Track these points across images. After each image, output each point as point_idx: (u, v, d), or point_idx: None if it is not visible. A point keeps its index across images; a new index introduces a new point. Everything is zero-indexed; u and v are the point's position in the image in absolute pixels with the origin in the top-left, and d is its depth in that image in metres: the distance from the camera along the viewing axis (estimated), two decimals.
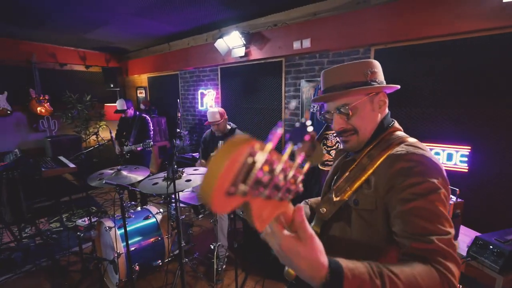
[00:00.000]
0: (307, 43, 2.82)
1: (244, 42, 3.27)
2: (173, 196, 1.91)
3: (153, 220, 2.48)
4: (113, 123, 5.21)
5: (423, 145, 0.76)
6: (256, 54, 3.34)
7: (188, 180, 2.07)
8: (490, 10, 1.82)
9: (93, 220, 2.71)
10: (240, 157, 0.28)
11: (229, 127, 2.79)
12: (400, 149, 0.73)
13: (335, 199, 0.81)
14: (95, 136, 3.91)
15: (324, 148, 2.26)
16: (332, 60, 2.84)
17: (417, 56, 2.26)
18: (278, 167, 0.34)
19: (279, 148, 0.39)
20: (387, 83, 0.86)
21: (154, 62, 5.05)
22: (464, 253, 1.51)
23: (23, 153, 3.25)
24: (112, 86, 5.34)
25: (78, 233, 2.39)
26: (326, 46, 2.72)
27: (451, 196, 1.63)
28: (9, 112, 4.25)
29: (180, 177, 2.09)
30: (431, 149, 2.16)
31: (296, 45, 2.90)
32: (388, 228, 0.71)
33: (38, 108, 4.58)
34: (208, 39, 3.99)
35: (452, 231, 0.63)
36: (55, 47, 4.81)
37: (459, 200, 1.60)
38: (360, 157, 0.82)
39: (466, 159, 2.06)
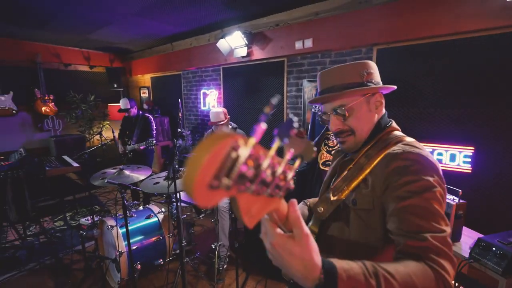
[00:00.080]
0: (309, 43, 2.81)
1: (246, 42, 3.27)
2: (173, 195, 1.92)
3: (155, 219, 2.50)
4: (116, 123, 5.25)
5: (420, 144, 0.76)
6: (258, 54, 3.34)
7: None
8: (491, 9, 1.81)
9: (96, 219, 2.73)
10: (222, 151, 0.28)
11: (230, 126, 2.79)
12: (397, 148, 0.74)
13: (332, 198, 0.82)
14: (98, 135, 3.95)
15: (326, 148, 2.25)
16: (334, 60, 2.83)
17: (419, 56, 2.24)
18: (265, 163, 0.34)
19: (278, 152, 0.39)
20: (389, 83, 0.86)
21: (157, 62, 5.08)
22: (467, 255, 1.49)
23: (28, 153, 3.28)
24: (115, 86, 5.38)
25: (81, 231, 2.41)
26: (328, 46, 2.71)
27: (453, 197, 1.62)
28: (14, 112, 4.31)
29: (181, 177, 2.10)
30: (433, 150, 2.15)
31: (298, 45, 2.90)
32: (385, 228, 0.71)
33: (43, 108, 4.63)
34: (210, 39, 4.00)
35: (448, 229, 0.63)
36: (59, 47, 4.86)
37: (461, 201, 1.58)
38: (358, 156, 0.82)
39: (469, 159, 2.04)
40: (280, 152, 0.38)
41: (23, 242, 2.99)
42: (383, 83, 0.85)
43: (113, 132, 3.35)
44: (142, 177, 2.35)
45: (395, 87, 0.86)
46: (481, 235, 1.60)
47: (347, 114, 0.81)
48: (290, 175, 0.41)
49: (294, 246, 0.45)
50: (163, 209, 2.61)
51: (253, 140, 0.32)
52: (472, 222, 1.83)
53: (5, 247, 2.95)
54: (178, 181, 1.92)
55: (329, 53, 2.85)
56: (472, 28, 1.91)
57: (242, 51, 3.39)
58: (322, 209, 0.83)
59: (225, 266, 2.53)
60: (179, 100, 2.21)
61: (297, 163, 0.44)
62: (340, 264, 0.49)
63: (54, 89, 4.77)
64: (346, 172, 0.83)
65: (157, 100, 5.60)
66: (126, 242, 2.01)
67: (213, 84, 4.36)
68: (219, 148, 0.28)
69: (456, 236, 1.60)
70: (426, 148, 0.74)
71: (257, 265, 2.55)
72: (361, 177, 0.77)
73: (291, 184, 0.42)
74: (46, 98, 4.64)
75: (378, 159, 0.75)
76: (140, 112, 3.63)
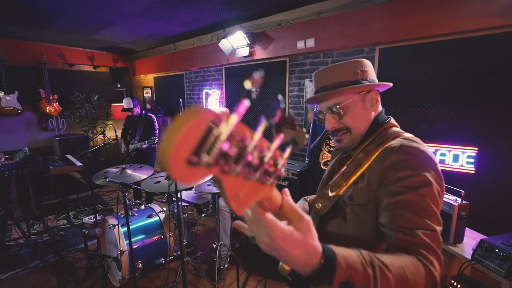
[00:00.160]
0: (311, 43, 2.80)
1: (248, 42, 3.27)
2: (174, 194, 1.93)
3: (156, 218, 2.51)
4: (119, 122, 5.28)
5: (419, 139, 0.76)
6: (260, 54, 3.34)
7: None
8: (495, 8, 1.78)
9: (98, 218, 2.75)
10: (200, 125, 0.27)
11: None
12: (394, 142, 0.74)
13: (330, 194, 0.82)
14: (102, 135, 3.98)
15: (327, 148, 2.24)
16: (336, 60, 2.82)
17: (422, 55, 2.22)
18: (251, 144, 0.33)
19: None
20: (391, 82, 0.86)
21: (160, 62, 5.10)
22: (469, 256, 1.48)
23: (32, 152, 3.32)
24: (119, 86, 5.42)
25: (83, 230, 2.44)
26: (330, 46, 2.70)
27: (456, 198, 1.60)
28: (19, 111, 4.36)
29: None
30: (436, 150, 2.13)
31: (300, 44, 2.89)
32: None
33: (48, 108, 4.68)
34: (213, 39, 4.01)
35: (439, 228, 0.64)
36: (64, 47, 4.91)
37: (464, 202, 1.56)
38: (356, 152, 0.82)
39: (473, 160, 2.01)
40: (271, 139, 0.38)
41: (27, 240, 3.02)
42: (385, 83, 0.85)
43: (115, 131, 3.37)
44: (144, 176, 2.36)
45: (391, 84, 0.86)
46: (484, 237, 1.58)
47: (342, 112, 0.81)
48: (282, 162, 0.40)
49: (296, 235, 0.43)
50: (164, 209, 2.62)
51: (235, 118, 0.30)
52: (475, 223, 1.81)
53: (9, 245, 2.99)
54: None
55: (331, 52, 2.84)
56: (475, 27, 1.89)
57: (244, 51, 3.39)
58: (320, 205, 0.83)
59: (226, 265, 2.53)
60: (181, 100, 2.22)
61: (289, 150, 0.43)
62: (339, 251, 0.49)
63: (59, 89, 4.82)
64: (344, 168, 0.83)
65: (160, 100, 5.63)
66: (128, 241, 2.02)
67: (216, 84, 4.37)
68: (197, 122, 0.27)
69: (458, 237, 1.58)
70: (428, 148, 0.74)
71: (258, 265, 2.55)
72: (359, 173, 0.77)
73: (282, 172, 0.41)
74: (50, 98, 4.69)
75: (376, 154, 0.75)
76: (143, 112, 3.65)
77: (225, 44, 3.41)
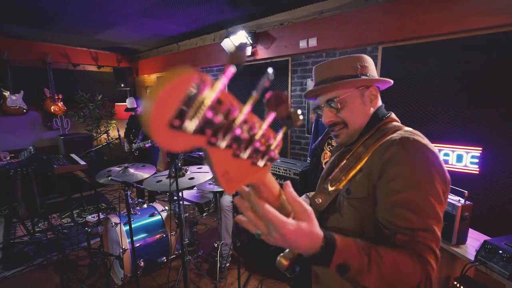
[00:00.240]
0: (313, 42, 2.79)
1: (251, 42, 3.27)
2: (176, 193, 1.93)
3: (158, 217, 2.52)
4: (123, 122, 5.32)
5: (420, 133, 0.74)
6: (263, 53, 3.34)
7: (191, 178, 2.09)
8: (501, 6, 1.76)
9: (102, 216, 2.78)
10: (182, 86, 0.26)
11: None
12: (395, 135, 0.73)
13: (330, 188, 0.81)
14: (106, 134, 4.02)
15: (329, 148, 2.23)
16: None
17: (425, 54, 2.20)
18: (239, 117, 0.32)
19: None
20: (394, 81, 0.85)
21: (163, 62, 5.13)
22: (472, 257, 1.46)
23: (37, 151, 3.36)
24: (122, 86, 5.46)
25: (86, 228, 2.46)
26: (333, 45, 2.69)
27: (459, 198, 1.58)
28: (25, 110, 4.41)
29: (183, 175, 2.11)
30: (440, 150, 2.11)
31: (302, 44, 2.88)
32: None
33: (52, 107, 4.73)
34: (215, 39, 4.01)
35: (437, 227, 0.63)
36: (68, 48, 4.96)
37: (467, 202, 1.54)
38: (356, 146, 0.81)
39: (477, 160, 1.98)
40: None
41: (31, 238, 3.06)
42: (385, 79, 0.84)
43: (118, 130, 3.40)
44: (146, 175, 2.37)
45: (391, 81, 0.84)
46: (487, 238, 1.56)
47: (339, 106, 0.80)
48: (275, 143, 0.40)
49: (302, 227, 0.48)
50: (166, 207, 2.63)
51: (220, 83, 0.29)
52: (479, 224, 1.78)
53: (14, 242, 3.03)
54: (180, 180, 1.93)
55: (333, 52, 2.82)
56: (480, 26, 1.86)
57: (246, 51, 3.39)
58: (320, 200, 0.82)
59: (227, 264, 2.53)
60: None
61: (282, 131, 0.42)
62: (340, 237, 0.56)
63: (63, 88, 4.87)
64: (344, 162, 0.82)
65: None
66: (130, 239, 2.03)
67: None
68: (179, 82, 0.26)
69: (461, 238, 1.56)
70: (430, 142, 0.72)
71: (259, 264, 2.54)
72: (358, 167, 0.76)
73: (276, 154, 0.41)
74: (55, 97, 4.74)
75: (376, 147, 0.74)
76: None
77: (228, 43, 3.41)
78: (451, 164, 2.07)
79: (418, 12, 2.10)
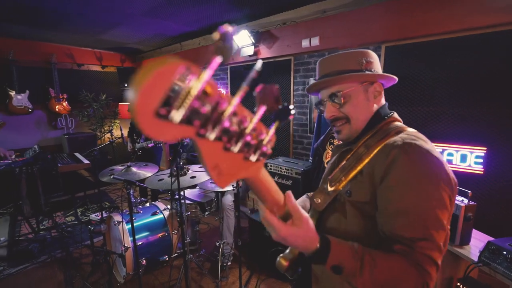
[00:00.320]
0: (316, 41, 2.78)
1: (253, 41, 3.27)
2: (177, 192, 1.94)
3: (161, 216, 2.53)
4: (126, 121, 5.36)
5: (423, 136, 0.73)
6: (265, 53, 3.33)
7: (193, 177, 2.09)
8: (506, 3, 1.73)
9: (105, 215, 2.80)
10: (167, 74, 0.26)
11: None
12: (397, 138, 0.71)
13: (329, 189, 0.79)
14: (109, 134, 4.05)
15: (331, 147, 2.22)
16: None
17: (429, 53, 2.17)
18: (228, 109, 0.31)
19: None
20: (397, 81, 0.84)
21: None
22: (476, 258, 1.44)
23: (42, 150, 3.40)
24: (126, 85, 5.50)
25: (89, 226, 2.48)
26: (335, 44, 2.68)
27: (463, 198, 1.56)
28: (30, 110, 4.47)
29: (185, 174, 2.12)
30: (444, 150, 2.09)
31: (305, 43, 2.87)
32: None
33: (57, 107, 4.78)
34: None
35: (439, 236, 0.62)
36: (73, 48, 5.01)
37: (471, 202, 1.52)
38: (357, 146, 0.80)
39: (481, 160, 1.96)
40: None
41: (36, 236, 3.10)
42: (390, 75, 0.83)
43: (121, 130, 3.42)
44: (148, 174, 2.39)
45: (396, 78, 0.83)
46: (491, 238, 1.54)
47: (343, 101, 0.78)
48: (267, 138, 0.39)
49: (298, 231, 0.56)
50: (168, 206, 2.64)
51: (206, 73, 0.29)
52: (483, 224, 1.76)
53: (19, 240, 3.07)
54: (181, 178, 1.94)
55: (336, 51, 2.80)
56: (485, 24, 1.84)
57: (249, 50, 3.39)
58: (319, 200, 0.81)
59: (229, 263, 2.53)
60: None
61: (275, 126, 0.42)
62: (335, 241, 0.61)
63: (68, 88, 4.92)
64: (344, 162, 0.81)
65: None
66: (132, 238, 2.04)
67: (221, 84, 4.38)
68: (164, 71, 0.26)
69: (465, 239, 1.54)
70: (434, 146, 0.71)
71: (261, 264, 2.54)
72: (359, 167, 0.75)
73: (269, 149, 0.40)
74: (60, 97, 4.79)
75: (377, 149, 0.73)
76: None
77: None
78: (455, 164, 2.05)
79: (422, 10, 2.08)
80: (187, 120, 0.28)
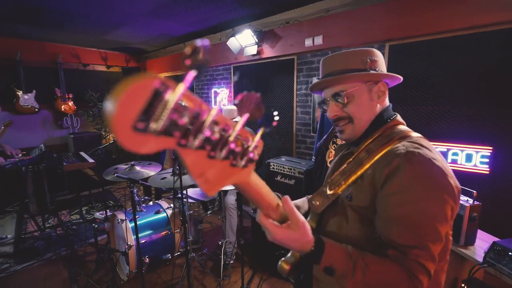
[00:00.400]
0: (319, 40, 2.77)
1: (256, 41, 3.27)
2: (180, 191, 1.95)
3: (164, 214, 2.55)
4: None
5: (428, 142, 0.71)
6: (268, 52, 3.33)
7: None
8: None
9: (109, 213, 2.83)
10: (144, 90, 0.27)
11: None
12: (400, 146, 0.69)
13: (328, 192, 0.79)
14: None
15: (334, 146, 2.21)
16: None
17: (434, 51, 2.15)
18: (208, 119, 0.32)
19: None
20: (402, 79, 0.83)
21: (171, 62, 5.18)
22: (481, 259, 1.42)
23: (48, 149, 3.45)
24: None
25: (93, 224, 2.51)
26: (339, 43, 2.66)
27: (467, 198, 1.54)
28: (36, 109, 4.53)
29: (187, 172, 2.13)
30: (448, 150, 2.06)
31: (308, 42, 2.86)
32: None
33: (63, 106, 4.85)
34: (222, 38, 4.03)
35: (434, 246, 0.62)
36: (78, 48, 5.07)
37: (476, 203, 1.50)
38: (358, 150, 0.79)
39: (487, 160, 1.93)
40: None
41: (41, 234, 3.14)
42: (395, 74, 0.81)
43: None
44: (152, 173, 2.40)
45: (401, 77, 0.81)
46: (497, 239, 1.51)
47: (346, 100, 0.77)
48: (253, 144, 0.40)
49: (293, 234, 0.58)
50: (171, 205, 2.65)
51: (181, 86, 0.29)
52: (489, 225, 1.73)
53: (25, 237, 3.11)
54: (184, 177, 1.95)
55: (339, 50, 2.80)
56: (491, 21, 1.81)
57: (252, 50, 3.39)
58: (318, 202, 0.81)
59: (231, 262, 2.54)
60: None
61: (260, 132, 0.43)
62: (330, 243, 0.63)
63: (73, 88, 4.98)
64: (344, 165, 0.80)
65: None
66: (135, 236, 2.06)
67: (224, 83, 4.39)
68: (139, 86, 0.26)
69: (469, 239, 1.52)
70: (439, 148, 0.71)
71: (263, 263, 2.54)
72: (359, 172, 0.74)
73: (255, 154, 0.41)
74: (66, 96, 4.85)
75: (379, 155, 0.71)
76: None
77: (233, 42, 3.42)
78: (460, 164, 2.02)
79: (426, 8, 2.06)
80: (166, 132, 0.29)
